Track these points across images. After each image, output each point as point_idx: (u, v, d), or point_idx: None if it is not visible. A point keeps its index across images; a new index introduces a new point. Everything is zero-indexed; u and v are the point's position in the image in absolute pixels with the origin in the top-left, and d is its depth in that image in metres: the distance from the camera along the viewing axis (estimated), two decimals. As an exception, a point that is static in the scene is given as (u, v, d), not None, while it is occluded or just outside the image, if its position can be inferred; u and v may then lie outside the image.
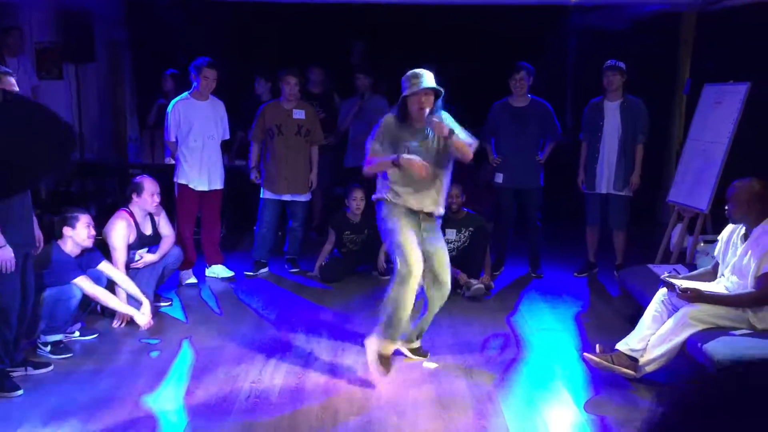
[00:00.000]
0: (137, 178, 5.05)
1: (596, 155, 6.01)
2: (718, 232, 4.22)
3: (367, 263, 6.18)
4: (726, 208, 3.93)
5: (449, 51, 8.50)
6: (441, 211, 4.14)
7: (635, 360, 3.88)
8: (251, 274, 5.90)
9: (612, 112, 5.93)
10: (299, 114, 5.84)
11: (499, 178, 6.06)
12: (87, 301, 4.44)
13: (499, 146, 6.06)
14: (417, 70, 3.91)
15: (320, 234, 7.02)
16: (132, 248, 4.90)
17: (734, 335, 3.60)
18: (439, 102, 3.96)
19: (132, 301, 4.62)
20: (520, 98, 5.97)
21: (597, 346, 4.14)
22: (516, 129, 5.95)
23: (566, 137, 8.51)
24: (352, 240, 6.08)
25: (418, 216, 4.05)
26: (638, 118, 5.88)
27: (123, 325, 4.70)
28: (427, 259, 3.99)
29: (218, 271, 5.92)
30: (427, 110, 3.87)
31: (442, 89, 3.92)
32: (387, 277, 5.98)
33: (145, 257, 4.93)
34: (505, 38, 8.67)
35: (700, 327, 3.70)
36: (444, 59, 8.14)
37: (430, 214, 4.08)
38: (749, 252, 3.78)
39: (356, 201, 5.97)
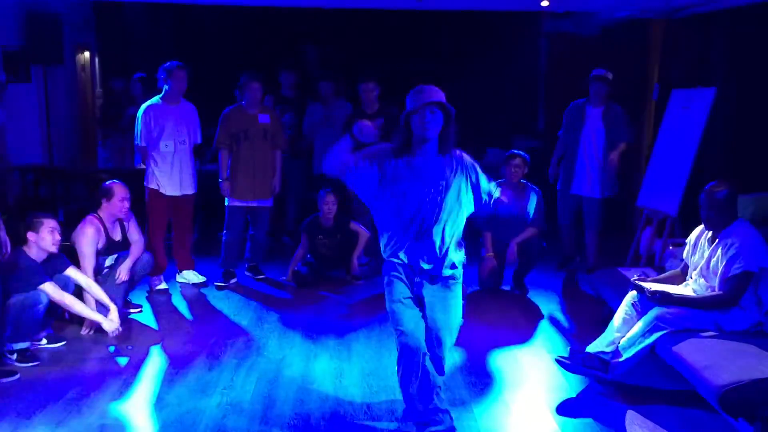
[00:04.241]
0: (107, 183, 4.98)
1: (573, 157, 6.15)
2: (687, 236, 4.28)
3: (340, 267, 6.16)
4: (702, 214, 3.97)
5: (417, 56, 8.56)
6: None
7: (606, 362, 3.92)
8: (222, 284, 5.82)
9: (594, 119, 6.07)
10: (264, 119, 5.79)
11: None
12: (54, 308, 4.37)
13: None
14: (423, 85, 3.22)
15: (293, 239, 6.99)
16: (101, 254, 4.83)
17: (702, 337, 3.65)
18: (451, 130, 3.21)
19: (101, 307, 4.55)
20: (513, 184, 5.73)
21: (568, 348, 4.18)
22: (507, 217, 5.65)
23: (539, 141, 8.63)
24: (324, 244, 6.06)
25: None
26: (620, 125, 6.01)
27: (91, 332, 4.62)
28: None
29: (189, 276, 5.86)
30: (433, 133, 3.18)
31: (452, 108, 3.18)
32: (360, 281, 5.99)
33: (121, 274, 4.85)
34: (477, 44, 8.76)
35: (669, 329, 3.75)
36: (411, 65, 8.21)
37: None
38: (717, 255, 3.84)
39: (328, 205, 5.96)
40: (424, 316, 3.32)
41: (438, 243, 3.25)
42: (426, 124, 3.13)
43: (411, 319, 3.28)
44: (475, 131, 7.23)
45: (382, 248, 3.39)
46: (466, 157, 3.33)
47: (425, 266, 3.27)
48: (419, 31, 8.44)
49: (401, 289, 3.31)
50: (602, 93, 6.00)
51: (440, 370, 3.36)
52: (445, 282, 3.33)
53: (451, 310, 3.36)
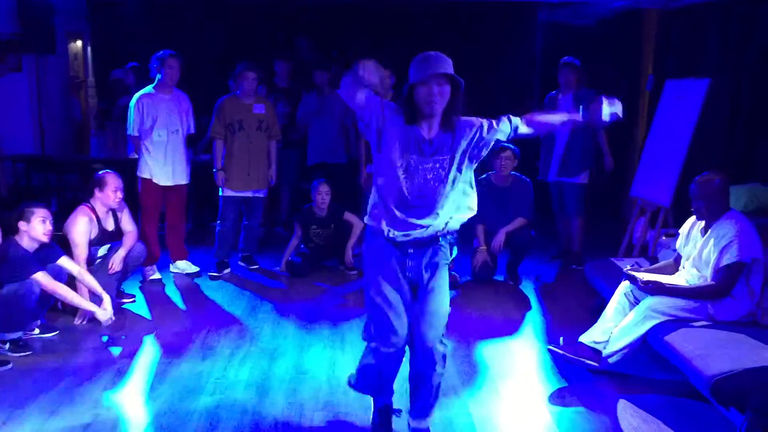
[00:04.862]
0: (100, 173, 4.97)
1: (552, 146, 6.27)
2: (680, 226, 4.29)
3: (334, 257, 6.16)
4: (692, 205, 3.98)
5: (409, 45, 8.51)
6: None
7: (598, 352, 3.94)
8: (215, 275, 5.81)
9: (565, 105, 6.15)
10: (259, 109, 5.77)
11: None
12: (47, 298, 4.36)
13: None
14: (428, 52, 2.83)
15: (287, 229, 6.99)
16: (93, 244, 4.82)
17: (694, 327, 3.66)
18: (460, 101, 2.86)
19: (94, 297, 4.54)
20: (503, 177, 5.78)
21: (561, 338, 4.19)
22: (497, 208, 5.75)
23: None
24: (318, 234, 6.05)
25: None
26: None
27: (84, 322, 4.62)
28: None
29: (183, 266, 5.85)
30: (440, 107, 2.83)
31: (461, 79, 2.80)
32: (354, 271, 5.99)
33: (114, 264, 4.84)
34: (472, 34, 8.73)
35: (662, 319, 3.77)
36: (405, 55, 8.16)
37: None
38: (709, 245, 3.85)
39: (321, 195, 5.95)
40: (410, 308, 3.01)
41: (437, 218, 2.95)
42: (432, 98, 2.77)
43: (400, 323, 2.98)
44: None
45: (368, 214, 3.08)
46: (468, 120, 2.96)
47: (417, 234, 2.95)
48: (414, 22, 8.40)
49: (388, 275, 2.98)
50: (571, 80, 6.11)
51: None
52: (436, 252, 3.02)
53: (443, 292, 3.04)
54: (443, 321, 3.04)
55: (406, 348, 3.07)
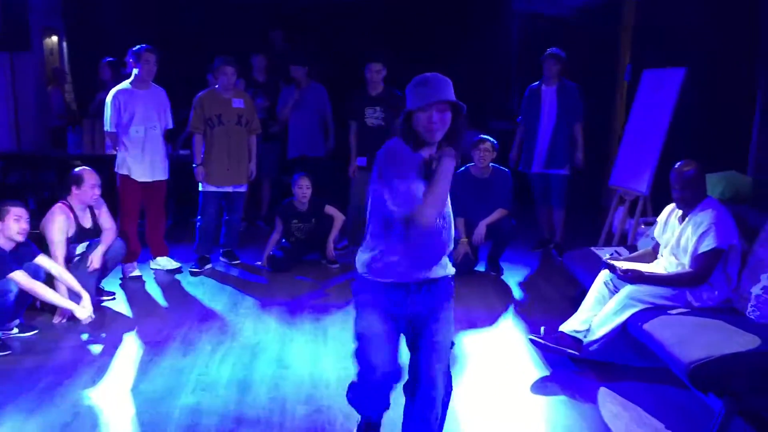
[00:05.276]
0: (77, 169, 4.91)
1: (534, 137, 6.29)
2: (658, 214, 4.33)
3: (315, 251, 6.15)
4: (672, 194, 4.01)
5: (386, 35, 8.51)
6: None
7: (579, 341, 3.97)
8: (196, 270, 5.78)
9: (549, 97, 6.22)
10: (239, 103, 5.74)
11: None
12: (25, 297, 4.31)
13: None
14: (426, 75, 2.61)
15: (268, 224, 6.97)
16: (72, 242, 4.77)
17: (672, 314, 3.69)
18: (463, 126, 2.63)
19: (73, 295, 4.50)
20: (482, 169, 5.78)
21: (542, 327, 4.22)
22: (476, 199, 5.76)
23: (513, 123, 8.65)
24: (299, 228, 6.03)
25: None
26: (573, 102, 6.13)
27: (64, 320, 4.57)
28: None
29: (163, 263, 5.81)
30: (441, 135, 2.59)
31: (463, 104, 2.60)
32: (336, 265, 5.99)
33: (93, 262, 4.79)
34: (449, 24, 8.73)
35: (641, 307, 3.80)
36: (378, 44, 8.17)
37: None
38: (686, 233, 3.89)
39: (302, 189, 5.93)
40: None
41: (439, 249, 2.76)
42: (432, 125, 2.55)
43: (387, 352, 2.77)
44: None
45: (364, 259, 2.76)
46: None
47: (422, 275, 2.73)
48: (390, 14, 8.40)
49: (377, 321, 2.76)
50: (555, 71, 6.14)
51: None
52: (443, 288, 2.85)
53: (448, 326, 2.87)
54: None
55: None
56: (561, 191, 6.30)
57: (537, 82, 6.33)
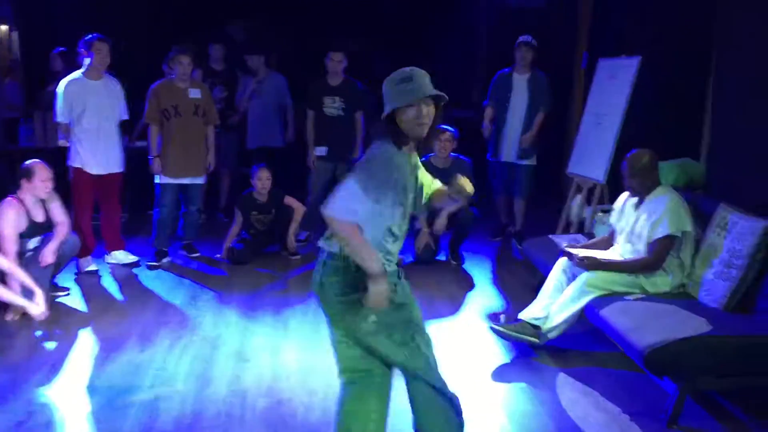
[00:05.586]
0: (27, 162, 4.78)
1: (502, 126, 6.26)
2: (615, 202, 4.39)
3: (276, 243, 6.11)
4: (624, 182, 4.08)
5: (348, 25, 8.48)
6: None
7: (538, 328, 4.01)
8: (154, 264, 5.69)
9: (520, 85, 6.19)
10: (195, 93, 5.65)
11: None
12: (-25, 294, 4.20)
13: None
14: (406, 70, 2.52)
15: (227, 216, 6.89)
16: (24, 237, 4.65)
17: (628, 300, 3.75)
18: (440, 118, 2.58)
19: (26, 292, 4.38)
20: (443, 159, 5.74)
21: (502, 316, 4.26)
22: None
23: (473, 111, 8.70)
24: (259, 220, 5.98)
25: None
26: (543, 92, 6.14)
27: (16, 317, 4.46)
28: None
29: (120, 257, 5.70)
30: (427, 128, 2.52)
31: (445, 96, 2.54)
32: (297, 256, 5.95)
33: (46, 257, 4.66)
34: (419, 12, 8.72)
35: (598, 293, 3.85)
36: (342, 34, 8.13)
37: None
38: (641, 219, 3.95)
39: (261, 181, 5.87)
40: None
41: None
42: (421, 120, 2.47)
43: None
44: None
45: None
46: None
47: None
48: (354, 5, 8.35)
49: None
50: (528, 59, 6.13)
51: None
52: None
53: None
54: None
55: None
56: (528, 181, 6.31)
57: (508, 68, 6.27)
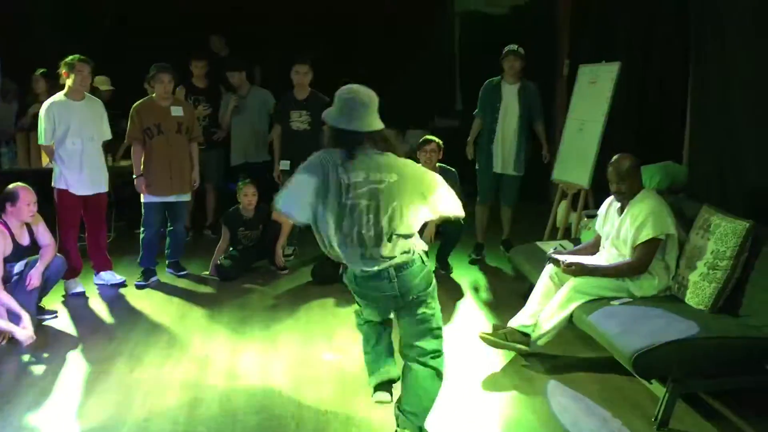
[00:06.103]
0: (10, 186, 4.75)
1: (492, 136, 6.17)
2: (600, 207, 4.42)
3: (263, 258, 6.10)
4: (610, 187, 4.10)
5: (323, 33, 8.51)
6: None
7: (527, 335, 4.02)
8: (142, 283, 5.67)
9: (510, 95, 6.09)
10: (177, 111, 5.64)
11: None
12: (-39, 320, 4.16)
13: None
14: (355, 97, 3.09)
15: (214, 233, 6.88)
16: (9, 261, 4.62)
17: (615, 305, 3.77)
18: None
19: (12, 316, 4.35)
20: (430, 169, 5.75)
21: (491, 324, 4.26)
22: None
23: (457, 121, 8.72)
24: (246, 236, 5.97)
25: None
26: (534, 102, 6.10)
27: (3, 342, 4.42)
28: None
29: (107, 277, 5.67)
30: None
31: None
32: (285, 271, 5.94)
33: (32, 280, 4.64)
34: (391, 23, 8.75)
35: (585, 299, 3.87)
36: (317, 42, 8.15)
37: None
38: (625, 224, 3.98)
39: (248, 197, 5.87)
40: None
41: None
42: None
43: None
44: (395, 113, 7.26)
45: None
46: None
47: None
48: (332, 15, 8.38)
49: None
50: (516, 68, 6.03)
51: None
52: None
53: None
54: None
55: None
56: (516, 190, 6.26)
57: (497, 77, 6.18)
